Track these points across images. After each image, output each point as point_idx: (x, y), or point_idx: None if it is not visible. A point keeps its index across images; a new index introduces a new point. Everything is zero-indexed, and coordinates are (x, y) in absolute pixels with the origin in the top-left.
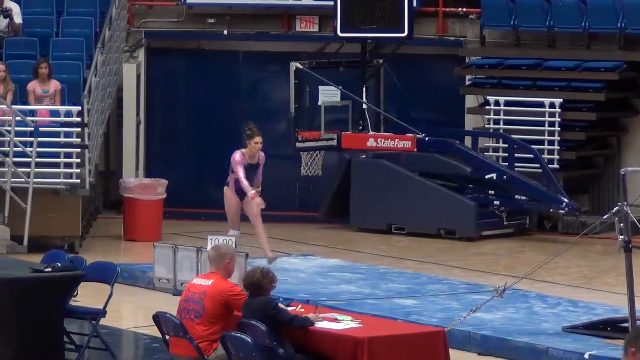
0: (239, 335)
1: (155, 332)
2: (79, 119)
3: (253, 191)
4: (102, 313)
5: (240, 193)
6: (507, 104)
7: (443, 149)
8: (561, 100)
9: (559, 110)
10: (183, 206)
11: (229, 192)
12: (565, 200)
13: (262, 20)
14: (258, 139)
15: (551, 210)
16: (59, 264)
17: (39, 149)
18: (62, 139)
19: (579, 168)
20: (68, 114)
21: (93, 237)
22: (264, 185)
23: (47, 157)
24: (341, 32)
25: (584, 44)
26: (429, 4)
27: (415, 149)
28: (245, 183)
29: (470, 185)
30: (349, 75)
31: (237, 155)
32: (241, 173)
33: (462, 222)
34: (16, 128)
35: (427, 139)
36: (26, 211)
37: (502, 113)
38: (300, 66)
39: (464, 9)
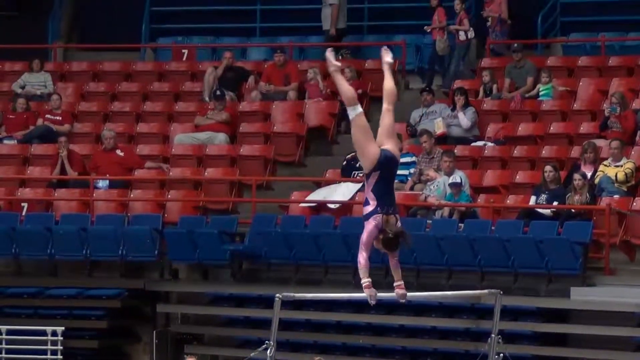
0: None
1: None
2: None
3: None
4: None
5: None
6: (8, 332)
7: None
8: (63, 328)
9: (61, 338)
10: None
11: None
12: None
13: None
14: None
15: None
16: None
17: None
18: None
19: None
20: None
21: None
22: None
23: None
24: None
25: (86, 272)
26: None
27: None
28: None
29: None
30: None
31: None
32: None
33: None
34: None
35: None
36: None
37: (4, 342)
38: None
39: None
